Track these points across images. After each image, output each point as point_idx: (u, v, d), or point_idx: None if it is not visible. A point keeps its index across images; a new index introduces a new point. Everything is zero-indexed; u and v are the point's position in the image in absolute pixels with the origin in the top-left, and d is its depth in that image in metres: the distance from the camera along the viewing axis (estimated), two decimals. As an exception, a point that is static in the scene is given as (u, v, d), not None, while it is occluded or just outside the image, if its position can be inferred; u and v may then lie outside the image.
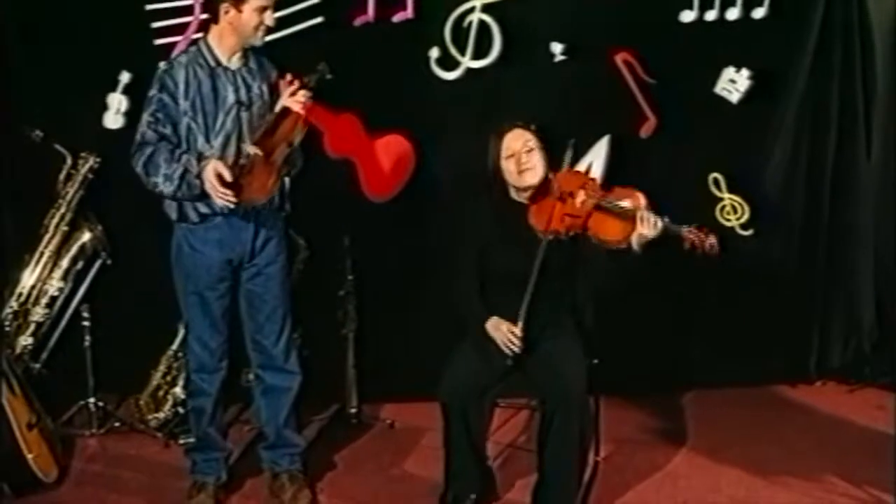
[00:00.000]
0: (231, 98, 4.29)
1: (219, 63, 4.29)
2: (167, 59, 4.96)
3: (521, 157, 4.30)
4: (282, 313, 4.50)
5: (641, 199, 4.23)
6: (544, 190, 4.30)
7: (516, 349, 4.19)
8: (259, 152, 4.21)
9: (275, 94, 4.37)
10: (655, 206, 4.26)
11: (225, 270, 4.39)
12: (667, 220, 4.18)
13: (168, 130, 4.25)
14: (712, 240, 4.18)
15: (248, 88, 4.32)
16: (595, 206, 4.23)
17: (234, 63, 4.32)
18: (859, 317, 5.52)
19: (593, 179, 4.43)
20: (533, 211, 4.28)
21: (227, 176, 4.16)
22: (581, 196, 4.25)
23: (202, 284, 4.38)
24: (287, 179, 4.44)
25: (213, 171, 4.15)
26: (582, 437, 4.25)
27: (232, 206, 4.19)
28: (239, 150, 4.26)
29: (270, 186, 4.25)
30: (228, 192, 4.15)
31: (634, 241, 4.19)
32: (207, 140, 4.26)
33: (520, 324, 4.18)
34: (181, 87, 4.25)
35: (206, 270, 4.37)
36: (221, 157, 4.23)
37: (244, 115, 4.30)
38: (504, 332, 4.20)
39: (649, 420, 5.17)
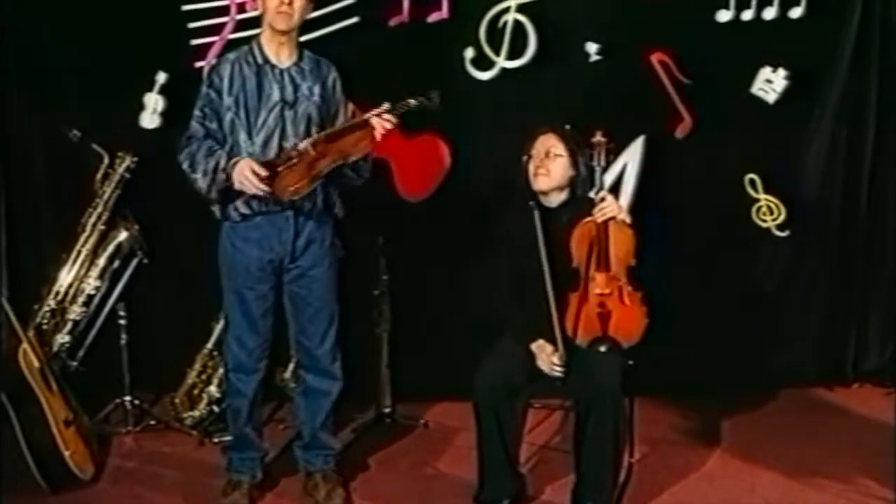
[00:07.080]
0: (276, 96, 4.28)
1: (267, 61, 4.29)
2: (203, 59, 5.04)
3: (539, 160, 4.31)
4: (326, 316, 4.46)
5: None
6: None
7: (559, 373, 4.24)
8: (311, 150, 4.18)
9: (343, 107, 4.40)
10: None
11: (265, 271, 4.38)
12: None
13: (214, 125, 4.27)
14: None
15: (296, 88, 4.30)
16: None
17: (285, 62, 4.31)
18: (897, 319, 5.48)
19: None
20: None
21: (262, 173, 4.15)
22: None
23: (241, 283, 4.38)
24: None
25: (249, 168, 4.14)
26: (616, 438, 4.24)
27: (261, 193, 4.17)
28: (281, 148, 4.25)
29: (296, 189, 4.18)
30: (263, 183, 4.15)
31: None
32: (249, 136, 4.26)
33: (559, 352, 4.22)
34: (226, 82, 4.26)
35: (245, 269, 4.36)
36: (262, 154, 4.23)
37: (288, 113, 4.29)
38: (546, 359, 4.25)
39: (684, 421, 5.15)
